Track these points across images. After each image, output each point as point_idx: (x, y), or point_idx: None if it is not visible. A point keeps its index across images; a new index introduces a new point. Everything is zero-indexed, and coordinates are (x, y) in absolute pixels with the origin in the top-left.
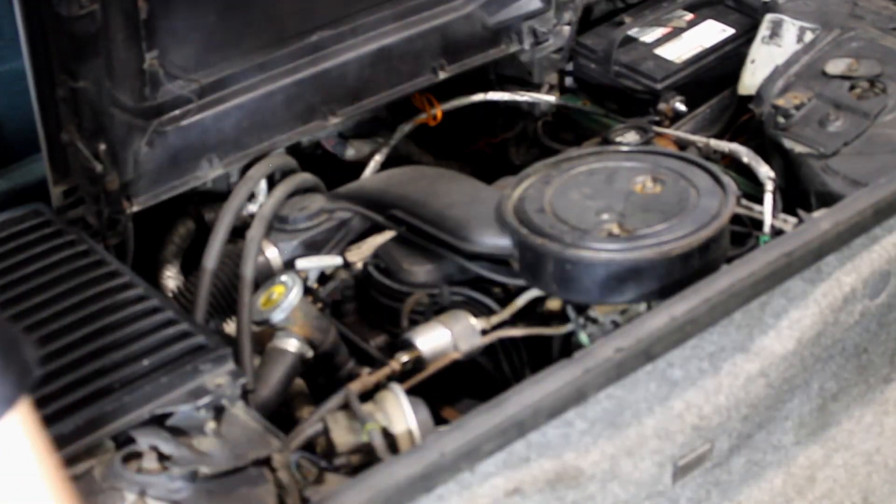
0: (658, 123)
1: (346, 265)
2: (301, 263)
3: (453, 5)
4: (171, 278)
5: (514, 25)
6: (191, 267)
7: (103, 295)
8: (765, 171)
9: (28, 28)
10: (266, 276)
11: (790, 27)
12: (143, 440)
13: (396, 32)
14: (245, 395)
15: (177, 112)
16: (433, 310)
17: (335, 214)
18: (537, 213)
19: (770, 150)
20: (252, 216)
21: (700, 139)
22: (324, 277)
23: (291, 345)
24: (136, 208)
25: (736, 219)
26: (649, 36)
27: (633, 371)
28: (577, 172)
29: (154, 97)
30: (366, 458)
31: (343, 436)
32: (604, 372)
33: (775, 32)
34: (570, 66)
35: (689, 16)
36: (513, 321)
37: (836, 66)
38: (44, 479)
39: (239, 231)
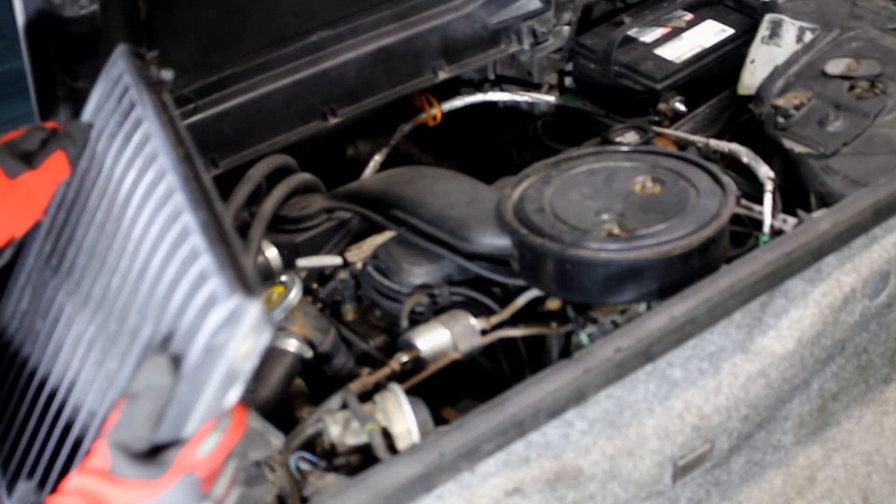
0: (658, 123)
1: (346, 265)
2: (301, 263)
3: (453, 5)
4: None
5: (514, 25)
6: None
7: None
8: (764, 171)
9: (28, 28)
10: (266, 276)
11: (790, 27)
12: None
13: (396, 32)
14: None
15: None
16: (433, 310)
17: (335, 214)
18: (537, 213)
19: (770, 150)
20: (252, 216)
21: (700, 139)
22: (324, 277)
23: (291, 345)
24: None
25: (736, 219)
26: (649, 36)
27: (633, 371)
28: (577, 172)
29: None
30: (366, 458)
31: (343, 436)
32: (604, 372)
33: (775, 32)
34: (570, 66)
35: (689, 16)
36: (513, 321)
37: (835, 66)
38: None
39: (239, 231)
